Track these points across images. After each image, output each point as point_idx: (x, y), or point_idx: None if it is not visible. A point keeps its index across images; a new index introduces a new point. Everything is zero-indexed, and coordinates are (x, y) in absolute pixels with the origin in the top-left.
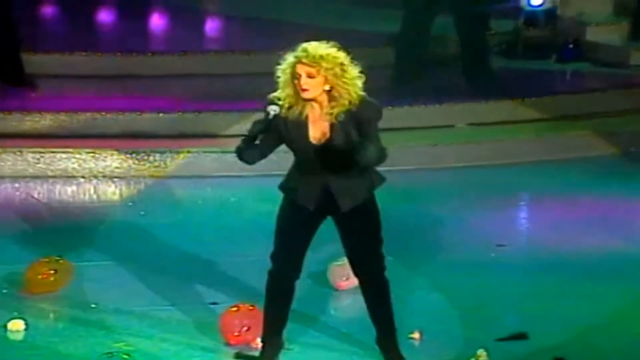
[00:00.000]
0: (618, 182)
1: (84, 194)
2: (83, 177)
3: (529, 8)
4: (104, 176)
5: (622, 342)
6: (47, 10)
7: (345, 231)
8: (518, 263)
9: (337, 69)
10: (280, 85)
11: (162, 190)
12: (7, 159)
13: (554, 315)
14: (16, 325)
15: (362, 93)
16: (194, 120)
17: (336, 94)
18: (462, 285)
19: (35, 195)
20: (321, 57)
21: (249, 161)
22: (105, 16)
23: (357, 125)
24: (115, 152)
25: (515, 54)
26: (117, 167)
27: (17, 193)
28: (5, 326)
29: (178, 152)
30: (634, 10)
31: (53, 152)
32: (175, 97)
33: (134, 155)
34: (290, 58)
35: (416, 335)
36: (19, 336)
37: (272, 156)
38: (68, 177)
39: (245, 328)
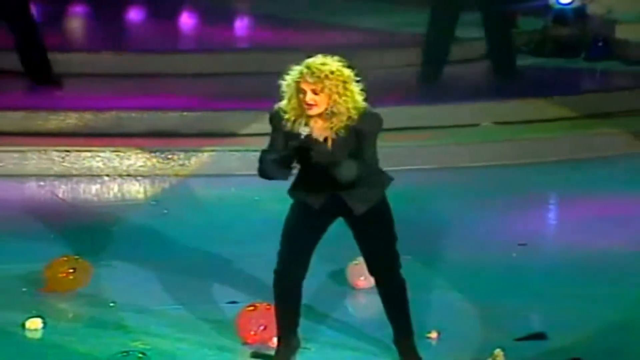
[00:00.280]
0: None
1: (108, 193)
2: (107, 175)
3: (558, 6)
4: (128, 175)
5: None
6: (76, 9)
7: (359, 233)
8: (538, 262)
9: (340, 88)
10: (286, 98)
11: (185, 189)
12: (32, 157)
13: (573, 315)
14: (34, 324)
15: (363, 106)
16: (218, 118)
17: (336, 111)
18: (482, 285)
19: (59, 194)
20: (326, 76)
21: (283, 179)
22: (131, 15)
23: (356, 138)
24: (139, 151)
25: (544, 52)
26: (141, 166)
27: (41, 192)
28: (23, 325)
29: (202, 151)
30: None
31: (78, 150)
32: (199, 96)
33: (158, 153)
34: (295, 73)
35: (433, 334)
36: (37, 335)
37: None
38: (92, 175)
39: (262, 327)
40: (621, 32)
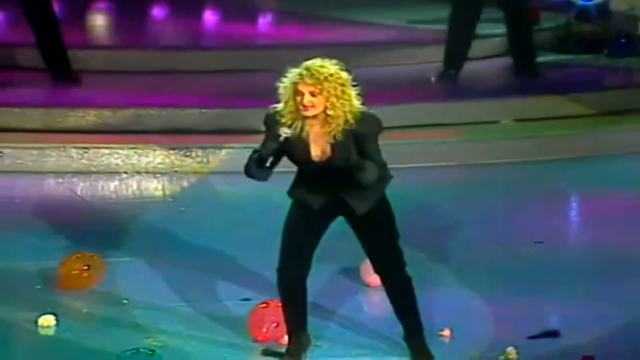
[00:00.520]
0: None
1: (126, 190)
2: (125, 172)
3: (580, 2)
4: (146, 172)
5: None
6: (95, 6)
7: (361, 232)
8: (554, 260)
9: (338, 91)
10: (283, 101)
11: (203, 186)
12: (50, 154)
13: (587, 314)
14: (47, 321)
15: (360, 108)
16: (237, 116)
17: (332, 114)
18: (496, 283)
19: (77, 191)
20: (325, 78)
21: (262, 180)
22: (150, 12)
23: (356, 141)
24: (158, 148)
25: (567, 49)
26: (159, 163)
27: (60, 188)
28: (36, 322)
29: (220, 148)
30: None
31: (96, 147)
32: (218, 93)
33: (176, 151)
34: (293, 75)
35: (446, 332)
36: (50, 332)
37: None
38: (111, 172)
39: (274, 324)
40: None
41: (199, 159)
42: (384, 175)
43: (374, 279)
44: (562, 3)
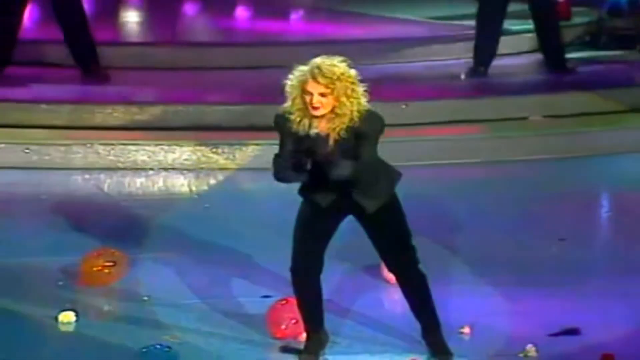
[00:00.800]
0: None
1: (152, 186)
2: (152, 169)
3: None
4: (173, 168)
5: None
6: (123, 2)
7: (373, 231)
8: (577, 258)
9: (349, 90)
10: (291, 98)
11: (229, 182)
12: (77, 151)
13: (608, 312)
14: (67, 317)
15: (365, 107)
16: (264, 112)
17: (340, 112)
18: (518, 280)
19: (104, 188)
20: (338, 77)
21: (302, 181)
22: (180, 8)
23: (356, 137)
24: (184, 144)
25: (599, 45)
26: (185, 160)
27: (86, 185)
28: (56, 318)
29: (247, 145)
30: None
31: (123, 144)
32: (244, 89)
33: (203, 147)
34: (302, 74)
35: (466, 330)
36: (70, 328)
37: None
38: (137, 169)
39: (292, 321)
40: None
41: (225, 156)
42: (394, 170)
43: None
44: None
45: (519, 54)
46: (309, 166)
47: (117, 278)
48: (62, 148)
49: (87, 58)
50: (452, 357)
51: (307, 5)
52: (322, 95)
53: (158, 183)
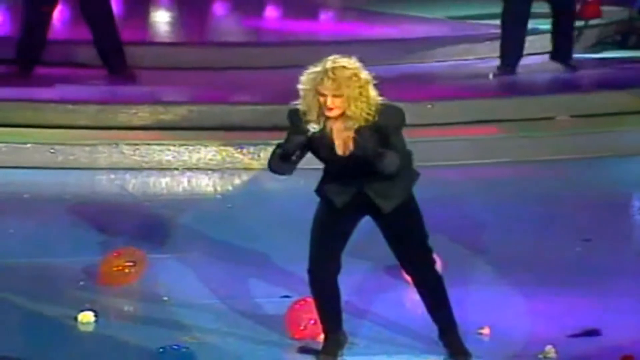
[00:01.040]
0: None
1: (177, 186)
2: (177, 169)
3: None
4: (197, 168)
5: None
6: (150, 2)
7: (390, 232)
8: (601, 258)
9: (357, 93)
10: (305, 100)
11: (253, 182)
12: (102, 151)
13: (629, 313)
14: (86, 317)
15: (380, 103)
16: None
17: (351, 114)
18: (540, 280)
19: (128, 188)
20: (345, 82)
21: (285, 174)
22: (209, 8)
23: (378, 132)
24: (209, 144)
25: (629, 44)
26: (210, 159)
27: (111, 185)
28: (75, 318)
29: (272, 144)
30: None
31: (148, 144)
32: (270, 89)
33: (227, 147)
34: (314, 76)
35: (486, 330)
36: (89, 328)
37: None
38: (162, 169)
39: (311, 322)
40: None
41: (250, 156)
42: (411, 169)
43: None
44: None
45: (545, 53)
46: (295, 157)
47: (137, 278)
48: (87, 148)
49: (114, 58)
50: (470, 357)
51: (335, 5)
52: (335, 96)
53: (182, 183)
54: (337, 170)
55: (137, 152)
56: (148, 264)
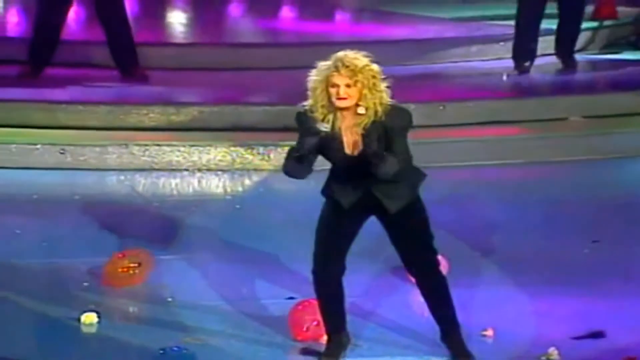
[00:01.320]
0: None
1: (186, 187)
2: (187, 170)
3: None
4: (207, 169)
5: None
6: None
7: (395, 232)
8: (609, 260)
9: (371, 83)
10: (314, 95)
11: (262, 184)
12: (112, 151)
13: (635, 315)
14: (89, 318)
15: (389, 102)
16: None
17: (364, 105)
18: (546, 281)
19: (138, 189)
20: (360, 69)
21: (302, 177)
22: (223, 9)
23: (386, 134)
24: (219, 145)
25: None
26: (220, 160)
27: (121, 186)
28: (78, 319)
29: (282, 145)
30: None
31: (158, 144)
32: (281, 90)
33: (238, 148)
34: (326, 67)
35: (489, 332)
36: (92, 329)
37: None
38: (172, 170)
39: (314, 323)
40: None
41: (260, 156)
42: (418, 170)
43: None
44: None
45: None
46: (310, 158)
47: (142, 279)
48: (97, 149)
49: (126, 59)
50: (473, 359)
51: (348, 5)
52: (348, 86)
53: (192, 184)
54: (345, 170)
55: (147, 152)
56: (154, 265)
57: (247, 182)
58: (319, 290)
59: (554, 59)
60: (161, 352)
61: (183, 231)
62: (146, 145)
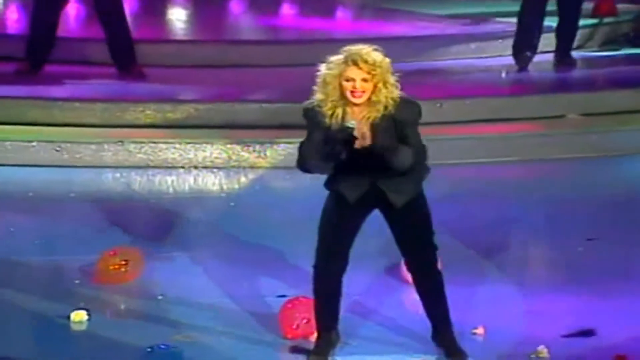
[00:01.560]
0: None
1: (182, 185)
2: (182, 167)
3: None
4: (203, 167)
5: None
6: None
7: (398, 226)
8: (602, 258)
9: (386, 77)
10: (326, 90)
11: (257, 181)
12: (108, 149)
13: (625, 313)
14: (79, 316)
15: (399, 95)
16: (296, 110)
17: (376, 99)
18: (538, 279)
19: (134, 186)
20: (380, 61)
21: (324, 173)
22: (224, 5)
23: (397, 127)
24: (215, 143)
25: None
26: (216, 158)
27: (117, 183)
28: (68, 317)
29: (278, 143)
30: None
31: (154, 142)
32: (279, 87)
33: (234, 145)
34: (339, 62)
35: (480, 330)
36: (81, 327)
37: None
38: (168, 167)
39: (304, 321)
40: None
41: (256, 154)
42: (423, 165)
43: None
44: None
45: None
46: (343, 156)
47: (133, 276)
48: (93, 146)
49: (124, 56)
50: (466, 357)
51: (349, 2)
52: (364, 80)
53: (188, 181)
54: (351, 164)
55: (143, 150)
56: (144, 263)
57: (243, 179)
58: (318, 286)
59: (552, 56)
60: (149, 350)
61: (178, 229)
62: (142, 142)
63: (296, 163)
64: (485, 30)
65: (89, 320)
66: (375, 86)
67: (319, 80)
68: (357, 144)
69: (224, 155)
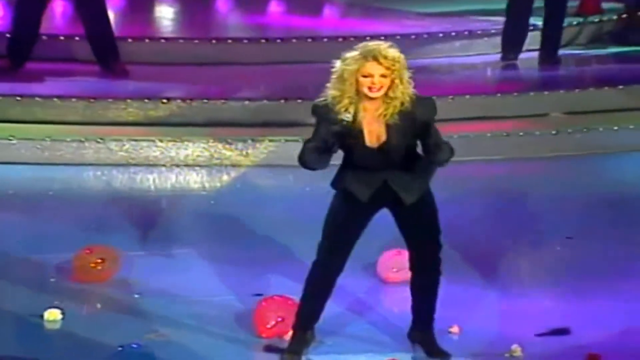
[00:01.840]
0: None
1: (163, 183)
2: (164, 165)
3: None
4: (185, 165)
5: None
6: None
7: (407, 223)
8: (579, 257)
9: (403, 73)
10: (343, 85)
11: (239, 179)
12: (89, 147)
13: (600, 312)
14: (52, 315)
15: (413, 92)
16: (278, 108)
17: (392, 95)
18: (513, 278)
19: (115, 184)
20: (399, 57)
21: (322, 168)
22: (211, 3)
23: (413, 125)
24: (197, 141)
25: (628, 40)
26: (198, 156)
27: (97, 181)
28: (41, 316)
29: (261, 141)
30: None
31: (135, 140)
32: (263, 85)
33: (216, 143)
34: (358, 58)
35: (455, 329)
36: (55, 325)
37: None
38: (149, 165)
39: (279, 319)
40: None
41: (238, 152)
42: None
43: (392, 275)
44: None
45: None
46: (335, 150)
47: (110, 275)
48: (74, 144)
49: (107, 53)
50: (449, 357)
51: (334, 0)
52: (383, 76)
53: (170, 179)
54: (362, 163)
55: (125, 148)
56: (121, 261)
57: (224, 177)
58: (315, 284)
59: (535, 54)
60: (120, 348)
61: (158, 227)
62: (123, 140)
63: (297, 158)
64: (470, 28)
65: (63, 319)
66: (392, 82)
67: (334, 76)
68: (369, 143)
69: (206, 153)
